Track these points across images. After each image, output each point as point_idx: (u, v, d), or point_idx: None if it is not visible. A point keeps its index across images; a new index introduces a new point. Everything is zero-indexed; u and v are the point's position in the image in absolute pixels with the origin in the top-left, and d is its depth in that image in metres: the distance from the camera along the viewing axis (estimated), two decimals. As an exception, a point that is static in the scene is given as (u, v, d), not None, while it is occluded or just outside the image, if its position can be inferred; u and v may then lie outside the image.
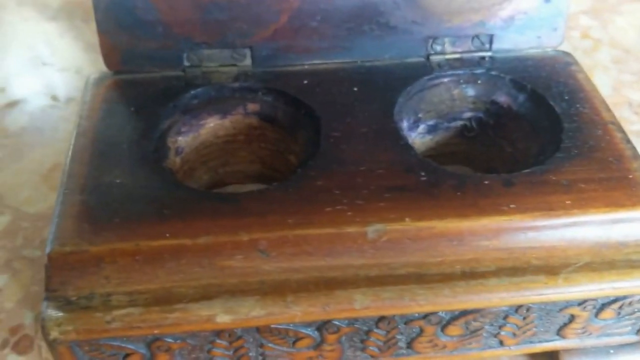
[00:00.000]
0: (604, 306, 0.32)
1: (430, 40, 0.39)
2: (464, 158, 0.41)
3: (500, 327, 0.32)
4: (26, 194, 0.44)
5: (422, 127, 0.39)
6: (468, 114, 0.39)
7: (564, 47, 0.57)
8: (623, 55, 0.55)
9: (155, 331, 0.29)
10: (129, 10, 0.37)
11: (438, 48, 0.39)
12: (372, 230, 0.30)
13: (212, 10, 0.37)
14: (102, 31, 0.37)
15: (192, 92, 0.37)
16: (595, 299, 0.31)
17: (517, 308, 0.31)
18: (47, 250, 0.30)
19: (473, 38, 0.39)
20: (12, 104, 0.50)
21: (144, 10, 0.37)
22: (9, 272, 0.40)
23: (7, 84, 0.52)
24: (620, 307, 0.32)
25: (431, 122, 0.39)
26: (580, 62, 0.39)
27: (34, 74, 0.53)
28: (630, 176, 0.33)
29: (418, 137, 0.39)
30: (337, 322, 0.30)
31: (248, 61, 0.39)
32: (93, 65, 0.51)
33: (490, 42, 0.39)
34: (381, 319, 0.30)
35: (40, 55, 0.55)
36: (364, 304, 0.29)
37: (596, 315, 0.32)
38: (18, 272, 0.40)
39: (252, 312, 0.29)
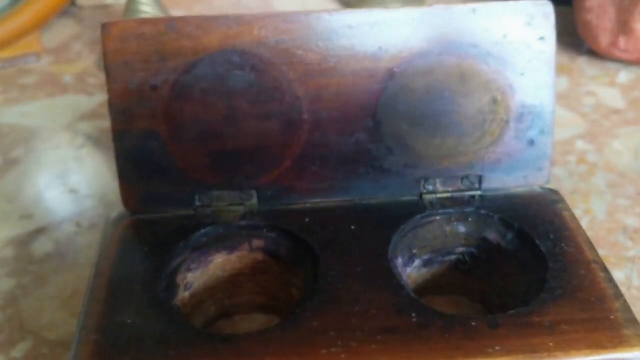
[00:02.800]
0: None
1: (423, 181, 0.42)
2: (460, 288, 0.43)
3: None
4: (47, 319, 0.47)
5: (417, 262, 0.41)
6: (461, 249, 0.42)
7: (561, 173, 0.59)
8: (618, 179, 0.57)
9: None
10: (148, 158, 0.41)
11: (430, 188, 0.42)
12: (364, 373, 0.32)
13: (222, 157, 0.41)
14: (122, 177, 0.41)
15: (202, 231, 0.41)
16: None
17: None
18: (61, 390, 0.32)
19: (463, 178, 0.42)
20: (40, 231, 0.54)
21: (161, 158, 0.41)
22: (27, 400, 0.42)
23: (36, 210, 0.56)
24: None
25: (426, 257, 0.42)
26: (577, 188, 0.41)
27: (61, 200, 0.57)
28: (612, 317, 0.34)
29: (414, 271, 0.42)
30: None
31: (254, 201, 0.42)
32: (116, 192, 0.55)
33: (480, 182, 0.42)
34: None
35: (68, 182, 0.59)
36: None
37: None
38: (35, 399, 0.42)
39: None
